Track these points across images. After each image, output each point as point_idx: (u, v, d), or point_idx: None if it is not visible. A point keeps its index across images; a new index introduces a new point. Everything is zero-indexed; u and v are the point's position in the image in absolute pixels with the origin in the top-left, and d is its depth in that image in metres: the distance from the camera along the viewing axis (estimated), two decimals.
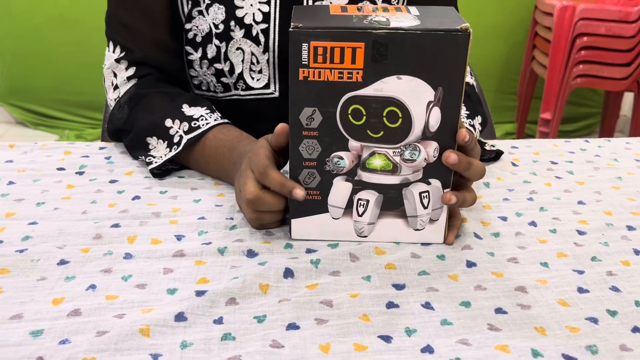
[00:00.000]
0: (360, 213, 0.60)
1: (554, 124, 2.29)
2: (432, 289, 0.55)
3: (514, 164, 0.82)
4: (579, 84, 2.24)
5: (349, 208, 0.60)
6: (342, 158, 0.58)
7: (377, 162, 0.58)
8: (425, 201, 0.60)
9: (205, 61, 0.83)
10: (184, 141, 0.73)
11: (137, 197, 0.70)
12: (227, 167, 0.72)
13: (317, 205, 0.60)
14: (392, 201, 0.60)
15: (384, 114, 0.56)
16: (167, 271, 0.57)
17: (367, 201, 0.59)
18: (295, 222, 0.61)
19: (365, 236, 0.61)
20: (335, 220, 0.61)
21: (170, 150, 0.74)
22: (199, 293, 0.53)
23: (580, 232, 0.66)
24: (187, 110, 0.76)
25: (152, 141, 0.76)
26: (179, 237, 0.62)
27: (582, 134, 2.81)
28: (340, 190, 0.60)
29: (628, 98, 2.76)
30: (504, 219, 0.68)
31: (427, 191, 0.59)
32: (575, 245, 0.63)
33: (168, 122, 0.76)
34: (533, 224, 0.67)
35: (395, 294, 0.54)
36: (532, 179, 0.78)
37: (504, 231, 0.65)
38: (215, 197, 0.71)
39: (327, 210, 0.61)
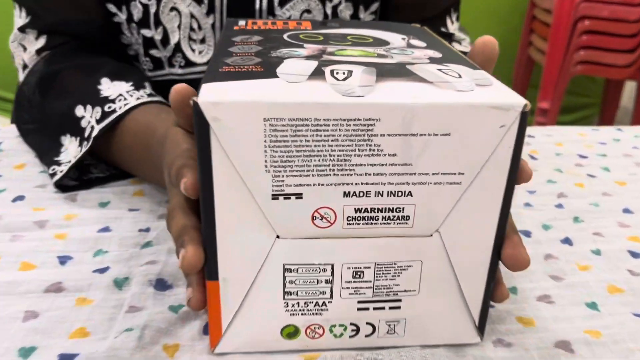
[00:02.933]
0: (341, 79, 0.33)
1: (552, 113, 2.12)
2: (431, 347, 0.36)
3: (532, 157, 0.63)
4: (579, 71, 2.07)
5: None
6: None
7: None
8: None
9: (134, 24, 0.62)
10: (94, 133, 0.52)
11: (20, 198, 0.51)
12: (150, 158, 0.51)
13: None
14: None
15: None
16: (30, 316, 0.37)
17: (350, 72, 0.33)
18: None
19: (360, 96, 0.30)
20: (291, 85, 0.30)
21: (81, 149, 0.53)
22: (65, 358, 0.34)
23: (634, 254, 0.47)
24: (104, 88, 0.55)
25: (65, 140, 0.55)
26: (63, 260, 0.43)
27: (580, 125, 2.65)
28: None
29: (627, 89, 2.60)
30: (527, 234, 0.49)
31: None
32: (630, 274, 0.45)
33: (79, 111, 0.54)
34: (567, 241, 0.48)
35: None
36: (557, 178, 0.59)
37: (529, 253, 0.46)
38: (130, 197, 0.52)
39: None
